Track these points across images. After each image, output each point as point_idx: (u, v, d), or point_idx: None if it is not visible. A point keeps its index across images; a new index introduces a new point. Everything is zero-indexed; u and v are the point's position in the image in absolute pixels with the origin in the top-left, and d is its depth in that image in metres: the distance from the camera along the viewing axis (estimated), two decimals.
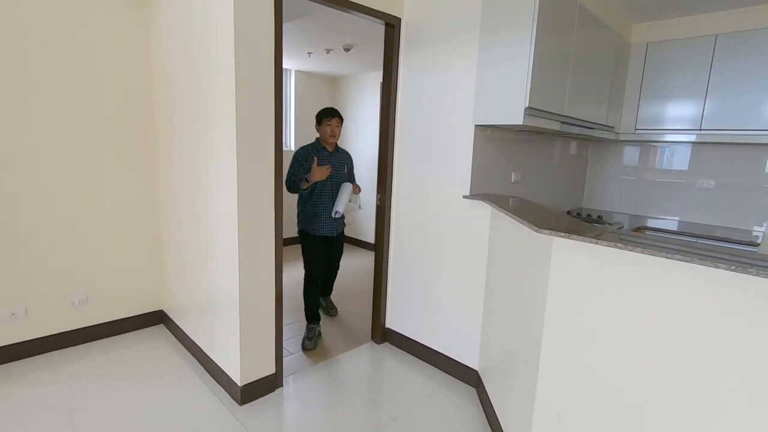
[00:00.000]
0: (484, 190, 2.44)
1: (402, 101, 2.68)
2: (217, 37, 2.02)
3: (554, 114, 2.27)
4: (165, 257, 2.93)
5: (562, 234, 1.34)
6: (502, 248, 2.12)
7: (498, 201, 2.15)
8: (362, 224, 5.64)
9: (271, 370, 2.29)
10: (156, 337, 2.90)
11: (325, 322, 3.26)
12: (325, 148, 2.89)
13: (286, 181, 2.75)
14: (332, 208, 2.87)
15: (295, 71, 5.33)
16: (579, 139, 3.40)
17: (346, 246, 5.65)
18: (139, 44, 2.73)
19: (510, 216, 1.75)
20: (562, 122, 2.40)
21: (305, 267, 2.94)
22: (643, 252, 1.17)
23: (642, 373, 1.32)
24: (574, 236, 1.32)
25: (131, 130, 2.78)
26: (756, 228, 2.84)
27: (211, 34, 2.07)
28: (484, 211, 2.30)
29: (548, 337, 1.54)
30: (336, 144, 2.96)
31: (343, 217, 3.00)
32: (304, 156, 2.82)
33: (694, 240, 2.69)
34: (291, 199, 5.15)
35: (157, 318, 3.06)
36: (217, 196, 2.21)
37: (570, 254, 1.45)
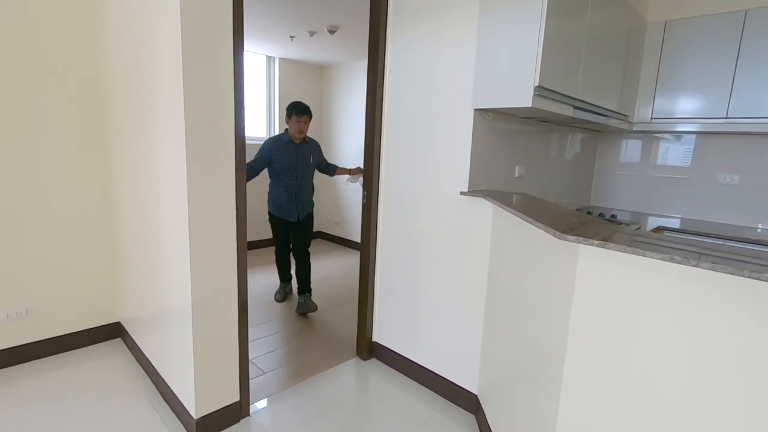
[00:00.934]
0: (485, 185, 2.11)
1: (390, 85, 2.33)
2: (162, 16, 1.67)
3: (566, 97, 1.94)
4: (121, 263, 2.57)
5: (596, 242, 1.01)
6: (507, 253, 1.79)
7: (501, 198, 1.82)
8: (350, 221, 5.30)
9: (234, 397, 1.95)
10: (111, 353, 2.54)
11: (305, 333, 2.92)
12: (291, 141, 3.10)
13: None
14: (296, 195, 3.17)
15: (279, 59, 4.97)
16: (587, 130, 3.08)
17: (330, 246, 5.41)
18: (91, 31, 2.37)
19: (519, 216, 1.42)
20: (575, 107, 2.08)
21: (274, 243, 3.41)
22: (714, 268, 0.84)
23: (689, 401, 0.99)
24: (611, 244, 0.99)
25: (82, 124, 2.41)
26: None
27: (156, 12, 1.73)
28: (484, 209, 1.97)
29: (572, 359, 1.21)
30: (304, 136, 3.15)
31: (311, 204, 3.32)
32: (269, 148, 3.07)
33: (721, 243, 2.38)
34: (258, 199, 4.83)
35: (114, 331, 2.70)
36: (165, 196, 1.86)
37: (601, 264, 1.12)
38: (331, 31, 3.46)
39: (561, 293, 1.27)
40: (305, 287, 3.31)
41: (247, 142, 4.72)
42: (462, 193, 1.99)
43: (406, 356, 2.42)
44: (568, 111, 2.02)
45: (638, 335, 1.08)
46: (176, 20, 1.57)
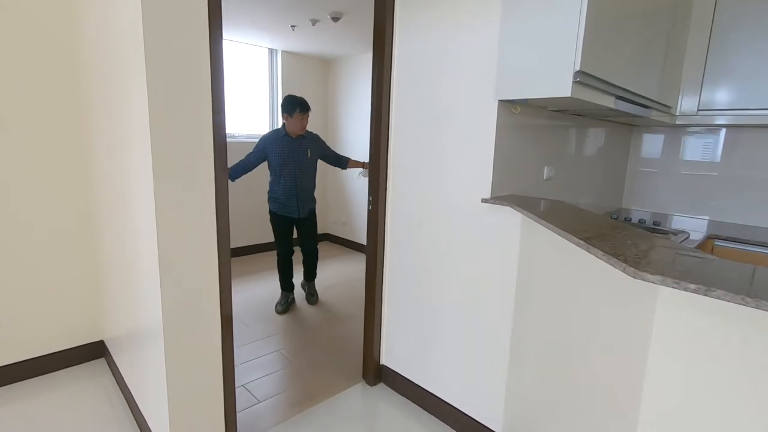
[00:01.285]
0: (509, 190, 1.80)
1: (398, 77, 2.03)
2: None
3: (609, 85, 1.62)
4: (104, 276, 2.32)
5: (692, 286, 0.70)
6: (542, 274, 1.49)
7: (532, 207, 1.52)
8: (357, 221, 5.01)
9: (218, 430, 1.68)
10: (92, 375, 2.30)
11: (307, 351, 2.65)
12: (287, 134, 3.00)
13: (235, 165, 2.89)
14: (294, 190, 3.05)
15: (282, 52, 4.69)
16: (620, 123, 2.75)
17: (336, 248, 5.10)
18: (64, 27, 2.11)
19: (565, 236, 1.12)
20: (617, 97, 1.76)
21: (276, 244, 3.21)
22: None
23: None
24: (718, 292, 0.69)
25: (59, 126, 2.16)
26: None
27: None
28: (511, 219, 1.66)
29: (649, 407, 0.92)
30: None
31: (313, 200, 3.21)
32: (264, 142, 2.99)
33: None
34: (258, 199, 4.56)
35: (98, 351, 2.46)
36: (136, 201, 1.60)
37: (690, 309, 0.82)
38: (335, 18, 3.16)
39: (631, 337, 0.98)
40: (311, 275, 3.45)
41: (248, 140, 4.50)
42: (484, 201, 1.69)
43: (418, 383, 2.14)
44: (609, 102, 1.71)
45: (738, 394, 0.78)
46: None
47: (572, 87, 1.41)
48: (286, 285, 3.33)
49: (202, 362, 1.61)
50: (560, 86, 1.43)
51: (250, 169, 2.98)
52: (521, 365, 1.63)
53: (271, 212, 3.15)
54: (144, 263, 1.60)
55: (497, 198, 1.67)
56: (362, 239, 4.97)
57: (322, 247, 4.75)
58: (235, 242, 4.60)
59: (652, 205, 2.87)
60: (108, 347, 2.39)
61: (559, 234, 1.20)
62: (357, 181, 4.75)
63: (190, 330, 1.56)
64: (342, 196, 5.16)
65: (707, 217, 2.65)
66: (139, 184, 1.53)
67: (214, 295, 1.61)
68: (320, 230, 5.07)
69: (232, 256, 4.54)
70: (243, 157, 2.96)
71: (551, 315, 1.41)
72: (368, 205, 2.19)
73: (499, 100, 1.65)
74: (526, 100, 1.64)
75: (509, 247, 1.68)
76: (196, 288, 1.55)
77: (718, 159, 2.59)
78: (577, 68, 1.39)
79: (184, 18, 1.38)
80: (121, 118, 1.66)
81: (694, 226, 2.48)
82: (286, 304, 3.27)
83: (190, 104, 1.43)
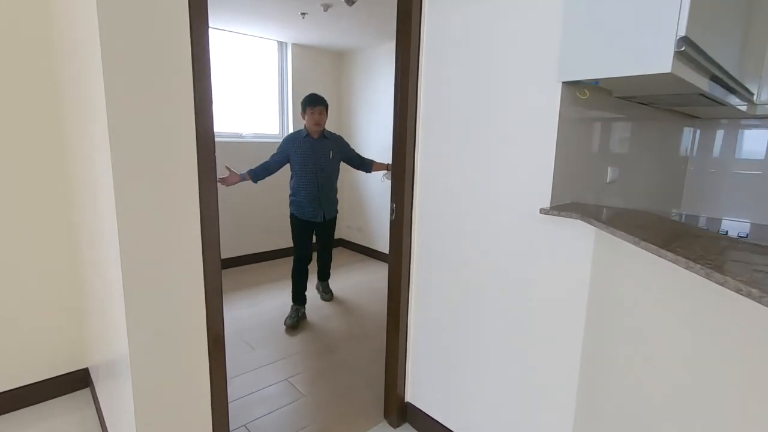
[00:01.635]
0: (569, 197, 1.44)
1: (428, 63, 1.68)
2: None
3: (709, 62, 1.24)
4: (86, 295, 2.02)
5: None
6: (630, 313, 1.12)
7: (609, 219, 1.15)
8: (373, 227, 4.67)
9: None
10: (71, 409, 2.00)
11: (321, 379, 2.31)
12: (309, 135, 2.87)
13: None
14: (317, 194, 2.93)
15: (292, 45, 4.37)
16: (684, 115, 2.35)
17: (351, 255, 4.75)
18: (39, 20, 1.81)
19: (686, 266, 0.76)
20: (711, 78, 1.39)
21: (294, 250, 3.03)
22: None
23: None
24: None
25: (34, 126, 1.87)
26: None
27: None
28: (579, 235, 1.30)
29: None
30: (323, 130, 2.91)
31: (336, 204, 3.12)
32: (286, 143, 2.88)
33: None
34: (261, 205, 4.26)
35: (81, 380, 2.16)
36: (101, 210, 1.31)
37: None
38: (350, 1, 2.82)
39: None
40: (325, 275, 3.42)
41: (257, 140, 4.20)
42: (543, 212, 1.32)
43: (450, 428, 1.78)
44: (703, 84, 1.33)
45: None
46: None
47: (673, 61, 1.04)
48: (298, 297, 3.07)
49: (184, 396, 1.30)
50: (656, 59, 1.06)
51: (273, 171, 2.87)
52: (595, 423, 1.27)
53: (291, 215, 3.00)
54: (110, 277, 1.30)
55: (559, 208, 1.31)
56: (378, 246, 4.63)
57: (335, 253, 4.42)
58: (248, 249, 4.30)
59: (717, 210, 2.46)
60: (91, 376, 2.09)
61: (666, 259, 0.84)
62: (380, 184, 4.41)
63: (167, 357, 1.27)
64: (357, 200, 4.82)
65: (749, 221, 2.25)
66: (103, 190, 1.23)
67: (199, 315, 1.33)
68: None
69: (243, 264, 4.25)
70: (268, 158, 2.90)
71: (644, 375, 1.05)
72: (391, 214, 1.84)
73: (563, 83, 1.29)
74: (597, 81, 1.27)
75: (576, 272, 1.31)
76: (173, 307, 1.27)
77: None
78: (681, 34, 1.02)
79: (154, 3, 1.07)
80: (86, 119, 1.36)
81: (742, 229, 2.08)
82: (296, 318, 2.99)
83: (163, 101, 1.13)
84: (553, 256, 1.36)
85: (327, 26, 3.64)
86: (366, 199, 4.72)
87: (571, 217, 1.25)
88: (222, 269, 4.07)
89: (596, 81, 1.27)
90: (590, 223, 1.16)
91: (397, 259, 1.85)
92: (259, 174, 2.82)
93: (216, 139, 3.86)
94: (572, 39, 1.23)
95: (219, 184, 2.86)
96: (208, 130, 1.21)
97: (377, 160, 3.24)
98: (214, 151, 1.24)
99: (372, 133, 4.53)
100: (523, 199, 1.41)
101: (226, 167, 2.69)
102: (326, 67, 4.71)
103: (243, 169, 2.82)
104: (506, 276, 1.50)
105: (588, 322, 1.29)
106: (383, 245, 4.55)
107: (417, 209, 1.80)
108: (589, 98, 1.40)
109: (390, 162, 3.25)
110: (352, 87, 4.73)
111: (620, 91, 1.46)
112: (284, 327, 2.94)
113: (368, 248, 4.77)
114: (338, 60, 4.79)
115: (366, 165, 3.16)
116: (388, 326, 1.93)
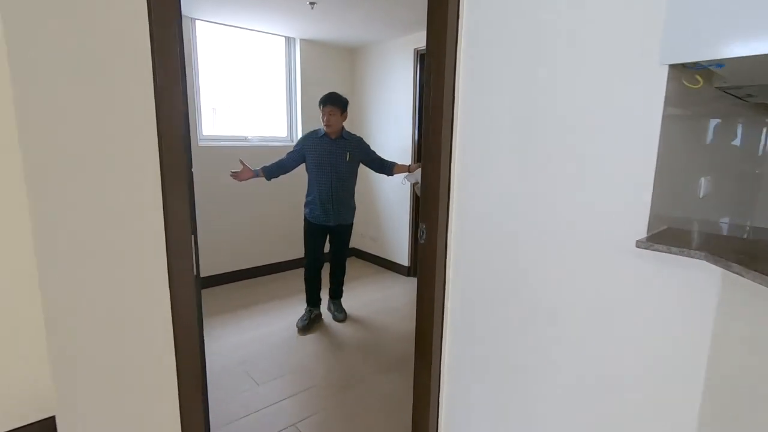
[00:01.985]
0: (665, 221, 1.08)
1: (468, 50, 1.33)
2: None
3: None
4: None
5: None
6: None
7: (757, 260, 0.79)
8: (389, 237, 4.32)
9: None
10: None
11: (337, 418, 1.97)
12: (326, 135, 2.76)
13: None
14: (330, 197, 2.80)
15: (300, 40, 4.05)
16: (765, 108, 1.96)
17: (365, 266, 4.38)
18: None
19: None
20: None
21: (305, 257, 2.95)
22: None
23: None
24: None
25: None
26: None
27: None
28: (693, 278, 0.94)
29: None
30: (341, 130, 2.79)
31: (352, 209, 2.97)
32: (302, 142, 2.81)
33: None
34: (271, 213, 3.96)
35: (50, 428, 1.85)
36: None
37: None
38: None
39: None
40: (337, 293, 3.16)
41: (263, 143, 3.88)
42: (639, 244, 0.96)
43: None
44: None
45: None
46: None
47: None
48: (312, 299, 3.00)
49: None
50: None
51: (288, 170, 2.81)
52: None
53: (305, 219, 2.90)
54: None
55: (666, 239, 0.95)
56: (394, 257, 4.28)
57: (349, 264, 4.10)
58: (258, 261, 3.99)
59: None
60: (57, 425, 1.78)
61: None
62: (396, 190, 4.07)
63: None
64: (371, 207, 4.48)
65: None
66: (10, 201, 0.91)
67: (166, 354, 1.05)
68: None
69: (251, 277, 3.93)
70: (284, 156, 2.82)
71: None
72: (420, 237, 1.50)
73: (670, 66, 0.93)
74: (721, 64, 0.92)
75: (689, 335, 0.95)
76: (121, 349, 1.00)
77: None
78: None
79: None
80: None
81: None
82: (308, 320, 2.94)
83: (106, 101, 0.81)
84: (651, 308, 1.00)
85: (338, 17, 3.31)
86: (381, 207, 4.38)
87: (688, 255, 0.89)
88: (233, 282, 3.84)
89: (720, 64, 0.91)
90: (727, 268, 0.80)
91: (428, 292, 1.50)
92: (273, 171, 2.74)
93: (218, 144, 3.45)
94: (679, 10, 0.88)
95: (233, 178, 2.62)
96: (174, 133, 0.90)
97: (398, 162, 2.99)
98: (186, 159, 0.92)
99: (388, 134, 4.19)
100: (606, 226, 1.06)
101: (240, 161, 2.64)
102: (337, 64, 4.38)
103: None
104: (580, 325, 1.14)
105: (705, 407, 0.93)
106: (399, 257, 4.21)
107: (454, 230, 1.45)
108: (699, 90, 1.05)
109: (409, 164, 3.10)
110: (366, 84, 4.40)
111: (738, 78, 1.10)
112: (296, 327, 2.92)
113: (383, 259, 4.43)
114: (350, 56, 4.46)
115: (387, 168, 2.97)
116: (415, 375, 1.59)
